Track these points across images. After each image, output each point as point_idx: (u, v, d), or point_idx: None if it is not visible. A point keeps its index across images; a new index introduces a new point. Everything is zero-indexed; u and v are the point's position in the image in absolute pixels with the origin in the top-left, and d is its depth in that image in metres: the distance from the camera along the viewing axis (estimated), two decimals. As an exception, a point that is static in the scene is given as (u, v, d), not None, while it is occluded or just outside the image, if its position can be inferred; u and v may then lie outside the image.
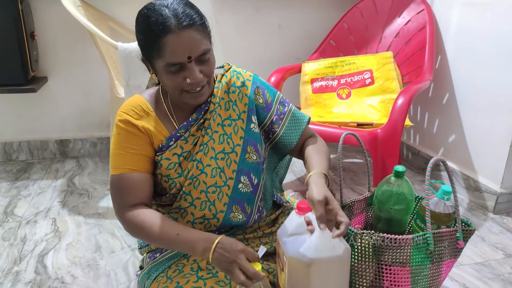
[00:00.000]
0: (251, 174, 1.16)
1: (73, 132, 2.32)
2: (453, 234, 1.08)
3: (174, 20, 0.96)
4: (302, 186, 2.00)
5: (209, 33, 1.04)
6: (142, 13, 1.01)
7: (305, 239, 0.96)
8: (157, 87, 1.14)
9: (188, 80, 1.00)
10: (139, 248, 1.27)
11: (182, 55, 0.98)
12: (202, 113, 1.12)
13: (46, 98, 2.23)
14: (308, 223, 0.96)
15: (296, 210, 1.01)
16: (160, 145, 1.08)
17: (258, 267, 0.94)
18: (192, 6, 1.01)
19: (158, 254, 1.16)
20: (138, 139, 1.06)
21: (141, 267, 1.23)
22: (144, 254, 1.22)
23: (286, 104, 1.24)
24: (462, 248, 1.10)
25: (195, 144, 1.11)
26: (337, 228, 0.94)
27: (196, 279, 1.06)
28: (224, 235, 1.01)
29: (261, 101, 1.19)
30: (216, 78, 1.16)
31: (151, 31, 0.98)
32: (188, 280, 1.05)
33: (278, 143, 1.24)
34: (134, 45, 1.62)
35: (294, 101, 1.28)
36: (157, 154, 1.09)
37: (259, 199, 1.19)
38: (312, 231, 0.94)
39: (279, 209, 1.31)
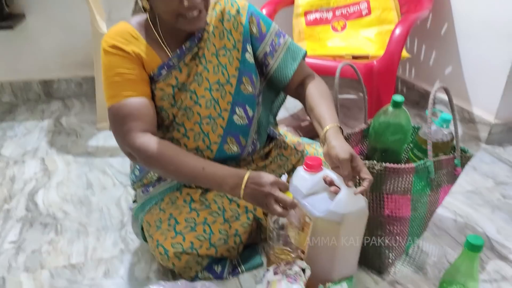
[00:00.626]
0: (247, 106, 1.12)
1: (57, 72, 2.22)
2: (451, 161, 1.07)
3: None
4: (294, 122, 1.97)
5: None
6: None
7: (326, 198, 0.95)
8: (144, 16, 1.06)
9: (185, 3, 0.93)
10: (132, 184, 1.25)
11: None
12: (196, 41, 1.06)
13: (25, 36, 2.10)
14: (331, 183, 0.95)
15: (306, 168, 0.99)
16: (152, 74, 1.03)
17: (290, 195, 0.92)
18: None
19: (151, 188, 1.14)
20: (131, 62, 1.00)
21: (134, 202, 1.22)
22: (137, 189, 1.20)
23: (282, 36, 1.17)
24: (459, 174, 1.10)
25: (189, 75, 1.06)
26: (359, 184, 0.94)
27: (189, 210, 1.05)
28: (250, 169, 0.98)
29: (254, 30, 1.13)
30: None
31: None
32: (181, 212, 1.04)
33: (273, 77, 1.19)
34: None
35: (286, 33, 1.22)
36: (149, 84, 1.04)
37: (254, 132, 1.16)
38: (336, 191, 0.93)
39: (272, 142, 1.29)
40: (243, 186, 0.92)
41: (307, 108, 1.13)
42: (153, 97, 1.04)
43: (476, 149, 1.78)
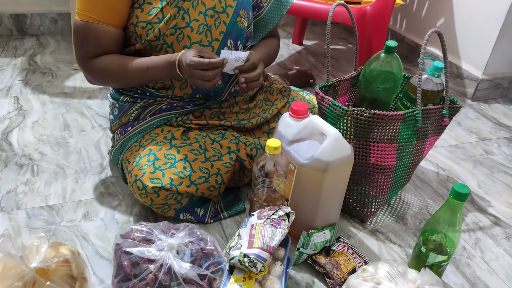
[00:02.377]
0: (238, 41, 1.09)
1: (29, 5, 2.07)
2: (439, 111, 1.06)
3: None
4: (281, 70, 1.92)
5: None
6: None
7: (311, 145, 0.93)
8: None
9: None
10: (110, 126, 1.20)
11: None
12: None
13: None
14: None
15: (292, 114, 0.96)
16: None
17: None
18: None
19: (129, 128, 1.10)
20: None
21: (112, 147, 1.18)
22: (115, 131, 1.15)
23: None
24: (446, 126, 1.09)
25: None
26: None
27: (170, 147, 1.02)
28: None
29: None
30: None
31: None
32: (161, 148, 1.01)
33: (259, 21, 1.17)
34: None
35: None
36: None
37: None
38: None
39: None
40: (177, 64, 0.96)
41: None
42: (141, 12, 1.00)
43: (461, 105, 1.77)
